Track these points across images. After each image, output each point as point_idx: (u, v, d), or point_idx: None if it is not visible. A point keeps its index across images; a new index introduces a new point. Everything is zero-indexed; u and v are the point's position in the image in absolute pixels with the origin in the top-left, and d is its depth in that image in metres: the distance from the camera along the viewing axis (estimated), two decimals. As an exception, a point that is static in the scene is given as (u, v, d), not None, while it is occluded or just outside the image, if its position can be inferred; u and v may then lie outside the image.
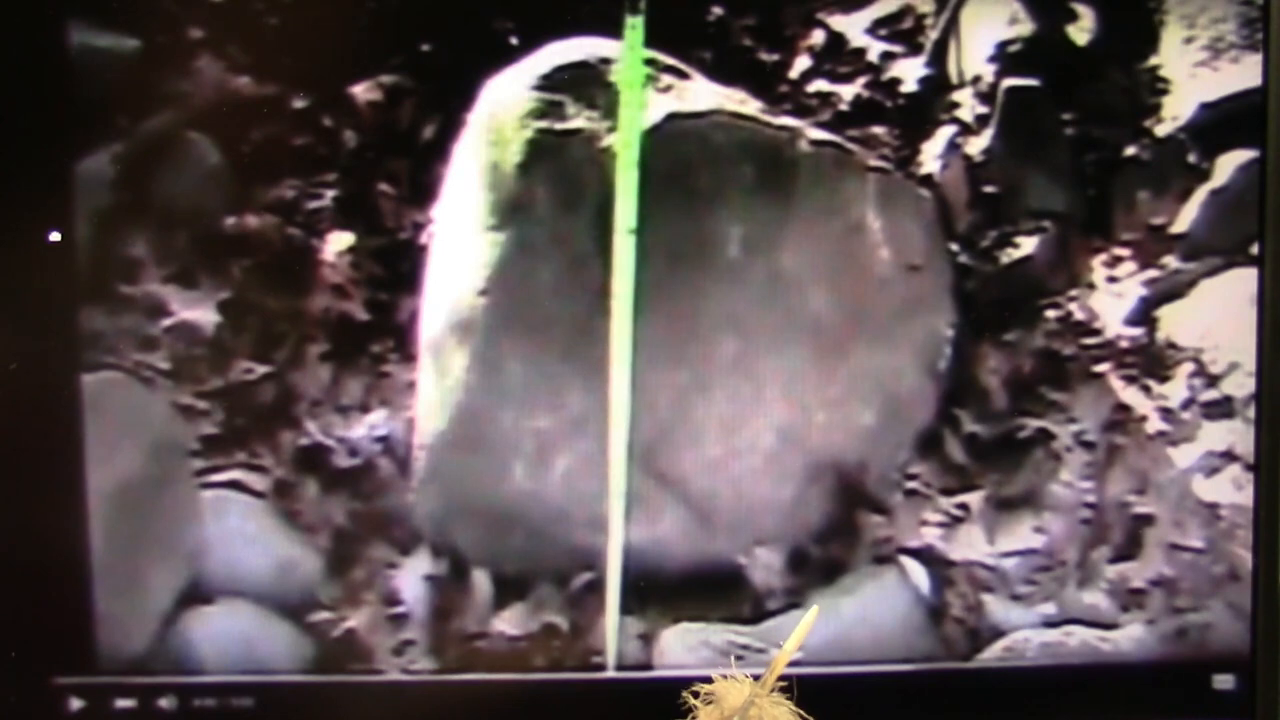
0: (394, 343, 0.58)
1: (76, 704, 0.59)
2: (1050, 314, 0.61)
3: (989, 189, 0.60)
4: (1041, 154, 0.60)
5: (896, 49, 0.59)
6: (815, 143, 0.59)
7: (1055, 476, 0.61)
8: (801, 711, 0.38)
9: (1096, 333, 0.61)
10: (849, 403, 0.60)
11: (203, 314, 0.58)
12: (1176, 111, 0.60)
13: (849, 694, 0.61)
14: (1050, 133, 0.60)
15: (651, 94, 0.58)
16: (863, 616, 0.61)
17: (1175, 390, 0.61)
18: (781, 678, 0.39)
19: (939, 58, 0.59)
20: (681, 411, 0.60)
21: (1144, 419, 0.61)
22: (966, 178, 0.60)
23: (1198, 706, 0.62)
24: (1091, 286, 0.61)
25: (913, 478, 0.61)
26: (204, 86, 0.57)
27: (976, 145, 0.60)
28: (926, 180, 0.60)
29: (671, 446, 0.60)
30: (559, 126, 0.58)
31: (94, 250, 0.57)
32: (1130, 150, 0.60)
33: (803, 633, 0.38)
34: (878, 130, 0.59)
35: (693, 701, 0.38)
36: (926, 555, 0.61)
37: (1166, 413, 0.61)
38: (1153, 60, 0.60)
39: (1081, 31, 0.60)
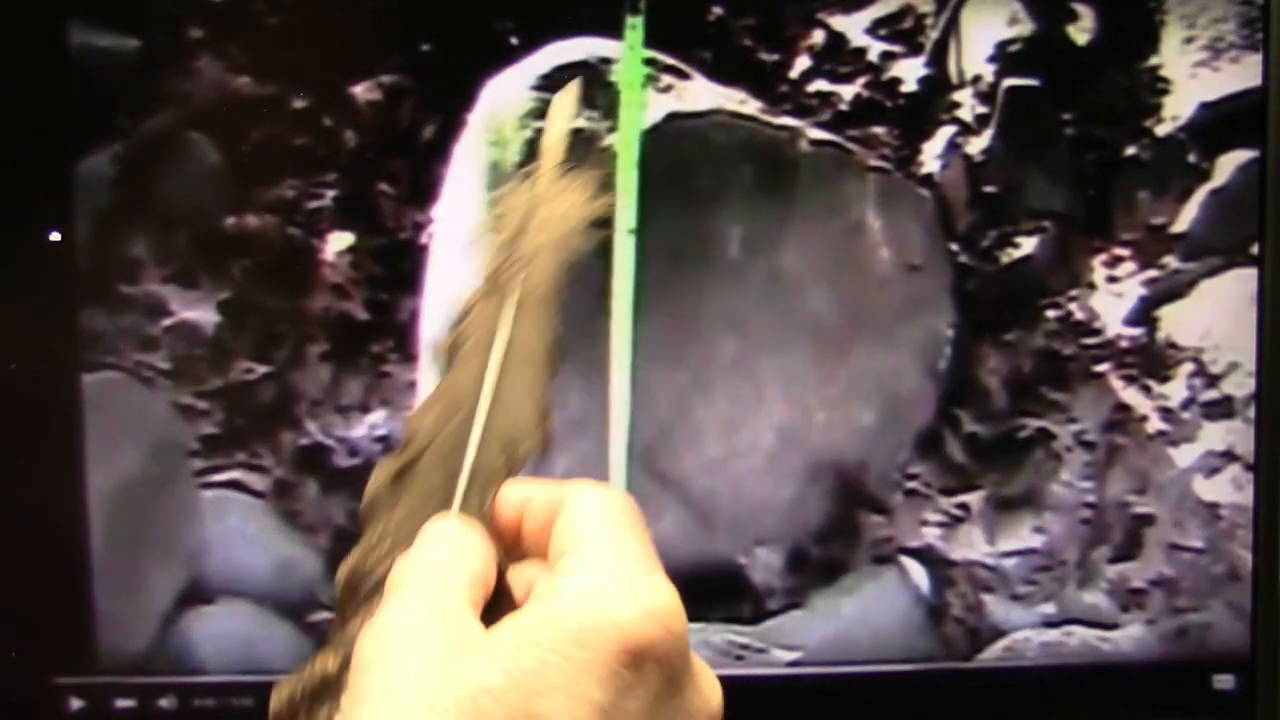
0: (394, 343, 0.58)
1: (76, 704, 0.59)
2: (1050, 314, 0.61)
3: (989, 189, 0.60)
4: (1041, 154, 0.60)
5: (896, 49, 0.59)
6: (815, 143, 0.59)
7: (1055, 476, 0.61)
8: (593, 192, 0.34)
9: (1096, 333, 0.61)
10: (849, 403, 0.60)
11: (203, 314, 0.58)
12: (1176, 111, 0.60)
13: (849, 694, 0.61)
14: (1050, 133, 0.60)
15: (651, 94, 0.58)
16: (863, 616, 0.61)
17: (1175, 390, 0.61)
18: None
19: (939, 58, 0.59)
20: (681, 411, 0.60)
21: (1144, 419, 0.61)
22: (966, 178, 0.60)
23: (1198, 706, 0.62)
24: (1091, 286, 0.61)
25: (913, 478, 0.61)
26: (204, 86, 0.57)
27: (976, 145, 0.60)
28: (926, 180, 0.60)
29: (671, 446, 0.60)
30: (559, 126, 0.58)
31: (94, 250, 0.57)
32: (1130, 150, 0.60)
33: (565, 106, 0.35)
34: (878, 130, 0.59)
35: (481, 234, 0.34)
36: (926, 555, 0.61)
37: (1166, 413, 0.61)
38: (1153, 60, 0.60)
39: (1081, 31, 0.60)
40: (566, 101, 0.35)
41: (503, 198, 0.34)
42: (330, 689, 0.29)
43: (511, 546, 0.32)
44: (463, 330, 0.34)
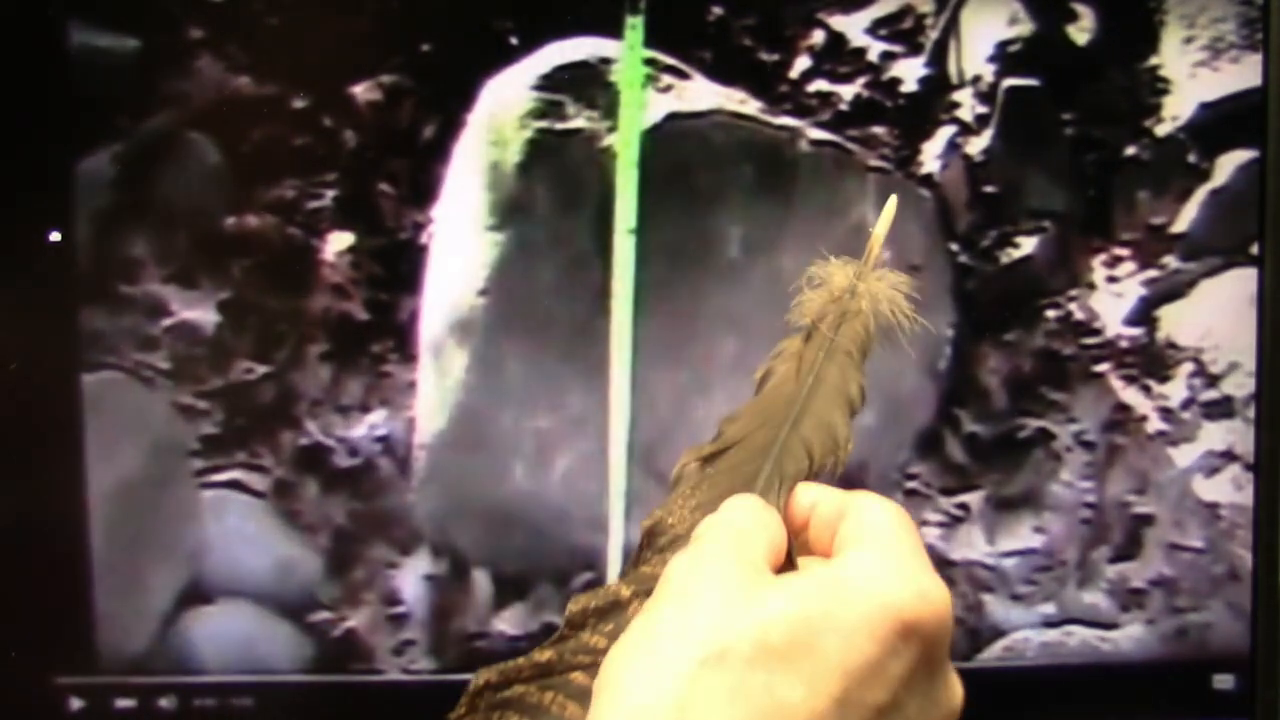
0: (394, 343, 0.58)
1: (76, 704, 0.59)
2: (1050, 314, 0.61)
3: (989, 189, 0.60)
4: (1041, 154, 0.60)
5: (896, 49, 0.59)
6: (815, 143, 0.59)
7: (1055, 476, 0.61)
8: (908, 286, 0.40)
9: (1096, 333, 0.61)
10: (849, 403, 0.60)
11: (203, 314, 0.58)
12: (1176, 111, 0.60)
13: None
14: (1050, 133, 0.60)
15: (651, 94, 0.58)
16: (863, 616, 0.61)
17: (1175, 390, 0.61)
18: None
19: (939, 58, 0.59)
20: (681, 411, 0.60)
21: (1144, 419, 0.61)
22: (966, 178, 0.60)
23: (1198, 706, 0.62)
24: (1091, 286, 0.61)
25: (913, 478, 0.61)
26: (204, 86, 0.57)
27: (976, 145, 0.60)
28: (926, 180, 0.60)
29: (671, 446, 0.60)
30: (559, 126, 0.58)
31: (94, 250, 0.57)
32: (1130, 150, 0.60)
33: (890, 213, 0.40)
34: (878, 130, 0.59)
35: (802, 289, 0.40)
36: (926, 555, 0.61)
37: (1166, 413, 0.61)
38: (1153, 60, 0.60)
39: (1081, 31, 0.60)
40: (892, 206, 0.40)
41: (828, 264, 0.40)
42: (619, 609, 0.34)
43: (797, 538, 0.35)
44: (777, 365, 0.40)
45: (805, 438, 0.37)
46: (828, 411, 0.38)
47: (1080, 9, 0.59)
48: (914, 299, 0.40)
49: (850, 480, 0.60)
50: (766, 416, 0.38)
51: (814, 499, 0.36)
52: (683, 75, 0.58)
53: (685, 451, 0.38)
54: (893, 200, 0.40)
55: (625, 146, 0.58)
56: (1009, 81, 0.59)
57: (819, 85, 0.59)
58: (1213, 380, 0.61)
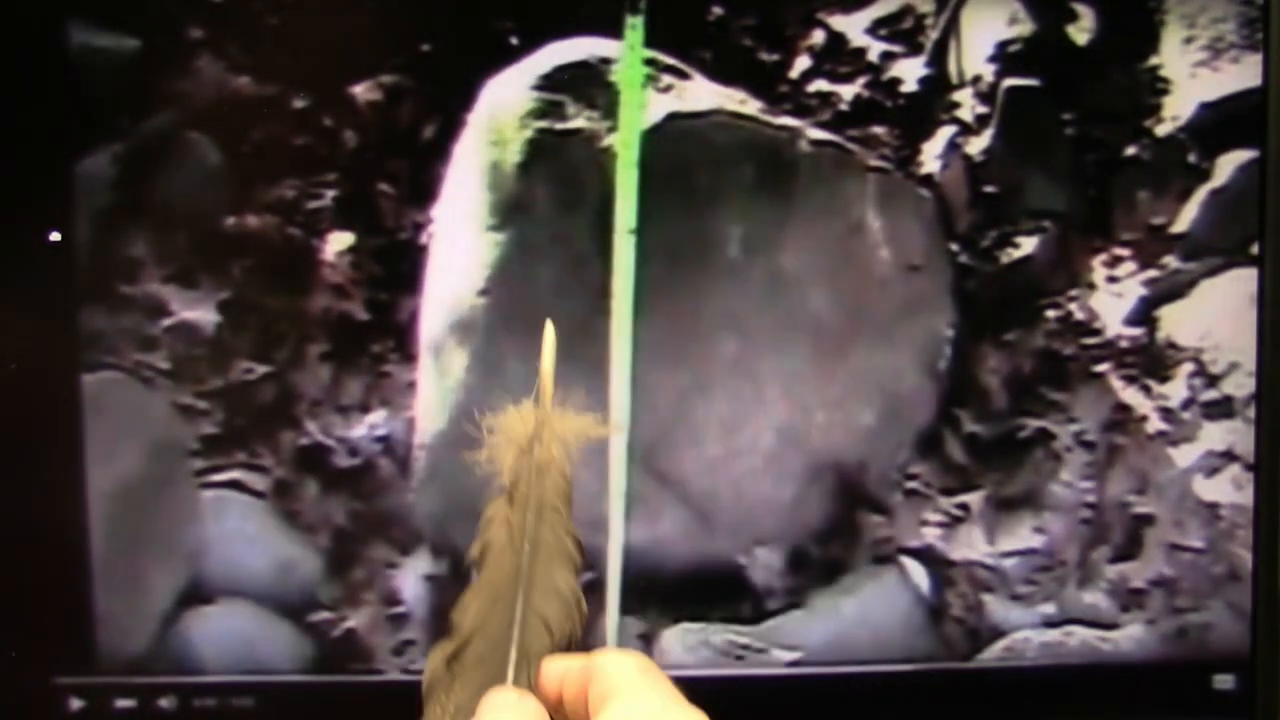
0: (394, 343, 0.58)
1: (76, 704, 0.59)
2: (1050, 314, 0.61)
3: (989, 189, 0.60)
4: (1041, 154, 0.60)
5: (896, 49, 0.59)
6: (815, 143, 0.59)
7: (1055, 476, 0.61)
8: (593, 416, 0.39)
9: (1096, 333, 0.61)
10: (849, 403, 0.60)
11: (203, 314, 0.58)
12: (1176, 111, 0.60)
13: (849, 694, 0.61)
14: (1050, 133, 0.60)
15: (651, 94, 0.58)
16: (863, 616, 0.61)
17: (1175, 390, 0.61)
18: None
19: (939, 58, 0.59)
20: (681, 411, 0.60)
21: (1144, 419, 0.61)
22: (966, 178, 0.60)
23: (1198, 706, 0.62)
24: (1091, 286, 0.61)
25: (913, 478, 0.61)
26: (204, 86, 0.57)
27: (976, 145, 0.60)
28: (926, 180, 0.60)
29: (671, 446, 0.60)
30: (559, 126, 0.58)
31: (94, 250, 0.57)
32: (1130, 150, 0.60)
33: (550, 345, 0.40)
34: (878, 130, 0.59)
35: (485, 439, 0.40)
36: (926, 555, 0.61)
37: (1166, 413, 0.61)
38: (1153, 60, 0.60)
39: (1081, 31, 0.60)
40: (550, 335, 0.40)
41: (507, 417, 0.40)
42: None
43: (555, 714, 0.36)
44: (490, 536, 0.39)
45: (540, 611, 0.37)
46: (552, 576, 0.38)
47: (1080, 9, 0.59)
48: (598, 431, 0.40)
49: (849, 481, 0.61)
50: (496, 595, 0.38)
51: (561, 672, 0.36)
52: (683, 75, 0.58)
53: (429, 655, 0.38)
54: (549, 331, 0.40)
55: (625, 146, 0.58)
56: (1009, 81, 0.59)
57: (819, 85, 0.59)
58: (1213, 380, 0.61)
